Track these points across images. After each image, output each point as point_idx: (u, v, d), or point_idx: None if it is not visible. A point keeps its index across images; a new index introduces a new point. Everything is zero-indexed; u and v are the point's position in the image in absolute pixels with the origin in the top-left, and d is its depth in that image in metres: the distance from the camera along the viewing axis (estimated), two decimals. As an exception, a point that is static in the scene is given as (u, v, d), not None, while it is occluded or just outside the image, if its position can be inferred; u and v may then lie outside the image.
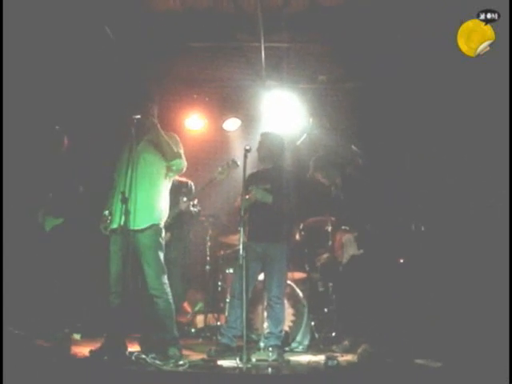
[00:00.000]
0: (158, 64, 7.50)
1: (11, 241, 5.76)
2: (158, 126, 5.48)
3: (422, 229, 6.05)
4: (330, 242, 6.86)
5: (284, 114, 7.82)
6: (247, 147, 5.77)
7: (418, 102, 7.13)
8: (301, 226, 7.39)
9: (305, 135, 7.54)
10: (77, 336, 6.33)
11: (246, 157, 5.73)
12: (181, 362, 5.11)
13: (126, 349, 5.30)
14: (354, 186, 6.22)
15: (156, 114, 5.70)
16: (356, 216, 6.21)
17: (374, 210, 6.01)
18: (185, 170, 5.69)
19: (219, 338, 6.01)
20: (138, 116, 5.34)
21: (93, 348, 5.32)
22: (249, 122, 8.25)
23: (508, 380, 4.10)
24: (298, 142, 7.57)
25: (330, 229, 6.84)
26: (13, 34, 5.85)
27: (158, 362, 5.01)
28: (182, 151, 5.62)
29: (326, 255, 7.15)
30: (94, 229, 5.59)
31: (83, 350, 5.59)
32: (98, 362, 5.10)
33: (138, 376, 4.68)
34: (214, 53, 7.40)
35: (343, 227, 6.61)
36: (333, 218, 6.85)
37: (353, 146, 6.27)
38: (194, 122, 8.35)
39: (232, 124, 8.27)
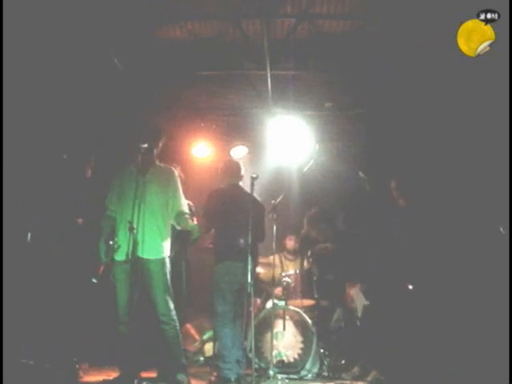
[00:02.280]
0: (165, 92, 7.54)
1: (21, 265, 5.78)
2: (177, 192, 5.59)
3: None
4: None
5: (290, 140, 7.83)
6: (254, 175, 5.79)
7: (422, 121, 7.14)
8: (309, 253, 7.39)
9: (311, 162, 7.55)
10: (84, 366, 6.31)
11: (252, 184, 5.75)
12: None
13: (138, 377, 5.30)
14: (345, 241, 6.27)
15: (161, 144, 5.71)
16: (355, 269, 6.24)
17: (370, 259, 6.04)
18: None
19: (218, 371, 5.84)
20: (145, 145, 5.36)
21: (107, 378, 5.32)
22: (256, 150, 8.28)
23: (508, 380, 4.07)
24: (305, 169, 7.58)
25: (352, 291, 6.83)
26: (22, 66, 5.92)
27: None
28: (180, 191, 5.68)
29: (320, 245, 7.16)
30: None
31: (92, 379, 5.59)
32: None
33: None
34: (221, 81, 7.44)
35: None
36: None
37: (360, 173, 6.28)
38: (201, 150, 8.38)
39: (239, 151, 8.29)
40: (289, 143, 7.84)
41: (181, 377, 5.27)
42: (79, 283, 6.22)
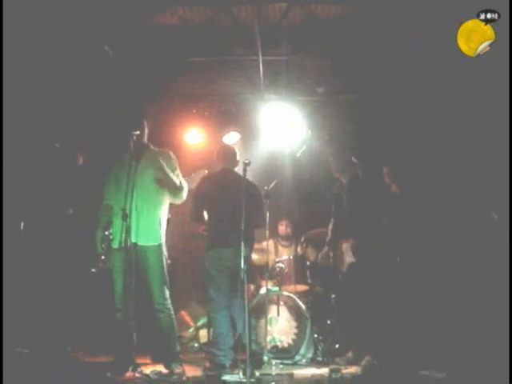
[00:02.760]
0: (157, 79, 7.51)
1: (14, 254, 5.77)
2: (165, 167, 5.43)
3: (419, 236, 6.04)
4: (332, 253, 6.83)
5: (283, 126, 7.82)
6: (246, 161, 5.77)
7: (417, 111, 7.14)
8: (302, 239, 7.40)
9: (304, 147, 7.53)
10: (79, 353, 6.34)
11: (245, 170, 5.74)
12: (184, 378, 5.13)
13: (132, 365, 5.32)
14: (352, 197, 6.24)
15: (147, 132, 5.68)
16: (352, 225, 6.21)
17: (369, 220, 6.03)
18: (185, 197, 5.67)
19: (213, 358, 5.90)
20: (138, 132, 5.35)
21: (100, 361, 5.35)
22: (248, 136, 8.26)
23: (508, 380, 4.09)
24: (298, 155, 7.56)
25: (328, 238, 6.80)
26: (13, 50, 5.87)
27: (160, 377, 5.04)
28: (179, 173, 5.62)
29: (313, 231, 7.17)
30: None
31: (87, 367, 5.62)
32: (102, 378, 5.10)
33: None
34: (212, 67, 7.40)
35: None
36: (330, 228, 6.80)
37: (353, 158, 6.28)
38: (194, 137, 8.35)
39: (231, 138, 8.26)
40: (281, 129, 7.83)
41: (175, 365, 5.29)
42: (74, 272, 6.23)
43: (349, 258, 6.30)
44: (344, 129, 7.98)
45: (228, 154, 6.34)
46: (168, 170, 5.41)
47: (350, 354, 6.10)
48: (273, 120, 7.80)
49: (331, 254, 6.66)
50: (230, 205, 5.88)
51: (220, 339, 5.80)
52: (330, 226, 6.71)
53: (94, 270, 5.48)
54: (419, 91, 7.02)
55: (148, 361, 6.07)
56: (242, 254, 5.24)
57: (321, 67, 7.42)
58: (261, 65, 7.04)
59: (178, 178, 5.54)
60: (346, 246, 6.36)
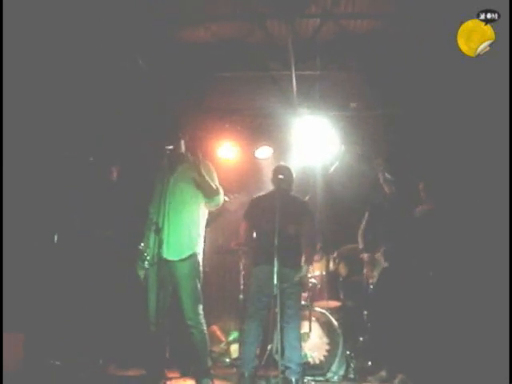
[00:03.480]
0: (190, 94, 7.56)
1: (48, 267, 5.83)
2: (200, 165, 5.38)
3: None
4: (366, 270, 6.77)
5: (316, 141, 7.80)
6: (280, 176, 5.76)
7: (450, 127, 7.09)
8: (335, 254, 7.35)
9: (337, 163, 7.51)
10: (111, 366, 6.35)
11: (279, 185, 5.73)
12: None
13: (162, 380, 5.32)
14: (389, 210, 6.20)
15: (183, 145, 5.69)
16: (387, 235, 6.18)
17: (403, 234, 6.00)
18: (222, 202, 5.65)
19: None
20: (171, 147, 5.37)
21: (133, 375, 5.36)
22: (281, 150, 8.25)
23: (508, 380, 4.02)
24: (331, 170, 7.54)
25: (365, 256, 6.74)
26: (47, 65, 5.97)
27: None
28: (216, 181, 5.61)
29: (347, 246, 7.12)
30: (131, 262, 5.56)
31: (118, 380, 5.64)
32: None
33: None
34: (246, 82, 7.44)
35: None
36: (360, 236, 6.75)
37: (386, 174, 6.23)
38: (227, 151, 8.37)
39: (264, 152, 8.27)
40: (314, 144, 7.81)
41: (206, 381, 5.26)
42: (109, 285, 6.26)
43: (380, 266, 6.25)
44: (378, 144, 7.93)
45: (274, 173, 6.26)
46: (204, 172, 5.37)
47: (383, 373, 6.02)
48: (305, 135, 7.79)
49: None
50: (274, 223, 5.84)
51: (243, 347, 5.84)
52: (361, 236, 6.66)
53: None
54: (449, 103, 6.96)
55: (178, 375, 6.06)
56: (276, 269, 5.22)
57: (354, 82, 7.41)
58: (294, 79, 7.04)
59: (214, 184, 5.53)
60: (378, 255, 6.31)
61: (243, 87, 7.60)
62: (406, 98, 7.26)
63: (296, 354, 5.69)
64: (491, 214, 5.98)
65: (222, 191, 5.57)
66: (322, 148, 7.82)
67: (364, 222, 6.55)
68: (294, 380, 5.58)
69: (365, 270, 6.69)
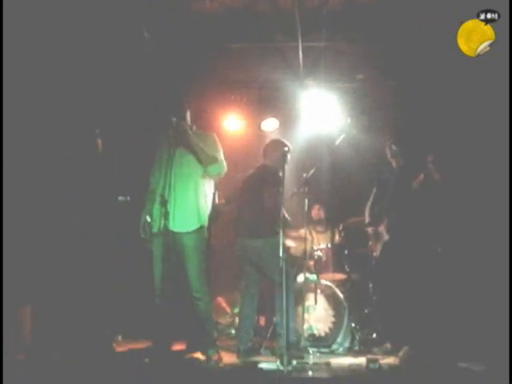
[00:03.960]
0: (195, 65, 7.50)
1: (46, 239, 5.84)
2: (189, 131, 5.35)
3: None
4: (371, 243, 6.77)
5: (322, 113, 7.77)
6: (285, 148, 5.74)
7: (457, 98, 7.04)
8: (340, 227, 7.34)
9: (343, 135, 7.46)
10: (118, 337, 6.39)
11: (285, 157, 5.71)
12: (221, 365, 5.15)
13: (169, 349, 5.36)
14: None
15: (189, 116, 5.67)
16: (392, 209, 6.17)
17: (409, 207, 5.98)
18: (225, 171, 5.62)
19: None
20: (176, 118, 5.34)
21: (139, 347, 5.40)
22: (287, 122, 8.21)
23: (508, 380, 4.03)
24: (337, 142, 7.49)
25: (370, 229, 6.73)
26: (50, 34, 5.92)
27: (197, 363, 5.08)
28: (220, 152, 5.57)
29: (352, 219, 7.12)
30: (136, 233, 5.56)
31: (125, 351, 5.68)
32: (139, 363, 5.15)
33: (178, 378, 4.69)
34: (252, 53, 7.38)
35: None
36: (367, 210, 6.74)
37: (393, 146, 6.18)
38: (232, 123, 8.34)
39: (270, 124, 8.23)
40: (320, 116, 7.78)
41: (211, 352, 5.29)
42: (116, 257, 6.28)
43: (383, 239, 6.25)
44: (384, 116, 7.87)
45: (270, 149, 6.34)
46: (198, 142, 5.35)
47: (387, 345, 6.05)
48: (312, 107, 7.75)
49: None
50: (252, 197, 5.98)
51: (238, 322, 6.08)
52: (368, 210, 6.65)
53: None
54: (456, 74, 6.91)
55: (185, 347, 6.09)
56: (281, 242, 5.23)
57: (360, 53, 7.34)
58: (300, 51, 6.99)
59: (219, 155, 5.52)
60: (381, 229, 6.30)
61: (249, 59, 7.54)
62: (412, 68, 7.18)
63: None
64: (499, 188, 5.94)
65: (221, 160, 5.54)
66: (328, 120, 7.79)
67: (371, 197, 6.54)
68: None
69: (370, 243, 6.71)
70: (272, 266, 5.59)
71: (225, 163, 5.55)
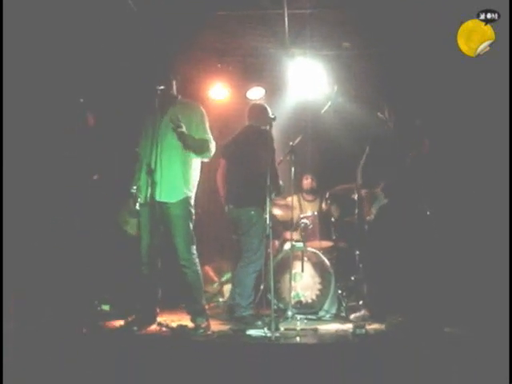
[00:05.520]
0: (181, 33, 7.42)
1: (32, 219, 5.81)
2: (185, 132, 5.29)
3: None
4: (357, 210, 6.79)
5: (308, 81, 7.74)
6: (272, 116, 5.73)
7: (446, 65, 7.01)
8: (327, 195, 7.36)
9: (329, 103, 7.45)
10: (105, 307, 6.39)
11: (271, 125, 5.71)
12: (209, 332, 5.19)
13: (155, 319, 5.40)
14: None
15: (175, 85, 5.64)
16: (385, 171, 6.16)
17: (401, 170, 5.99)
18: (213, 152, 5.60)
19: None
20: (162, 87, 5.30)
21: (127, 319, 5.40)
22: (273, 91, 8.18)
23: (508, 380, 4.09)
24: (323, 110, 7.48)
25: (356, 197, 6.74)
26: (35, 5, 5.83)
27: (186, 331, 5.11)
28: (207, 130, 5.57)
29: (339, 187, 7.14)
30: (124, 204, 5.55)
31: (113, 322, 5.70)
32: (128, 332, 5.18)
33: (167, 346, 4.73)
34: (237, 21, 7.29)
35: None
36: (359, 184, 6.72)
37: (379, 113, 6.17)
38: (218, 92, 8.30)
39: (256, 93, 8.20)
40: (306, 84, 7.75)
41: (200, 320, 5.34)
42: (98, 230, 6.26)
43: (379, 203, 6.23)
44: (371, 84, 7.85)
45: (254, 111, 6.34)
46: (184, 133, 5.29)
47: (365, 312, 6.10)
48: (298, 75, 7.72)
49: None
50: (240, 165, 6.07)
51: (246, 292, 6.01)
52: (360, 171, 6.61)
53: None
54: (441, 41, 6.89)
55: (173, 315, 6.13)
56: (267, 210, 5.26)
57: (347, 21, 7.27)
58: (286, 18, 6.93)
59: (204, 133, 5.50)
60: (377, 191, 6.26)
61: (234, 26, 7.45)
62: (398, 36, 7.15)
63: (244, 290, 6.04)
64: (490, 156, 5.97)
65: (212, 145, 5.54)
66: (314, 88, 7.77)
67: (364, 157, 6.43)
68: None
69: (357, 209, 6.70)
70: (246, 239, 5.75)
71: (213, 144, 5.56)
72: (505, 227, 5.20)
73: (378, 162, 6.22)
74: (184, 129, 5.25)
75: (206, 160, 5.62)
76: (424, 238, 5.70)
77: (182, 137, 5.26)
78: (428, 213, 5.85)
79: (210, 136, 5.55)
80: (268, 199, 5.30)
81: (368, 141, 6.39)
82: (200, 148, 5.44)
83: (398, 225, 5.78)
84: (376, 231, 6.18)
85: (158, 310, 5.57)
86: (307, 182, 7.99)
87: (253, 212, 5.97)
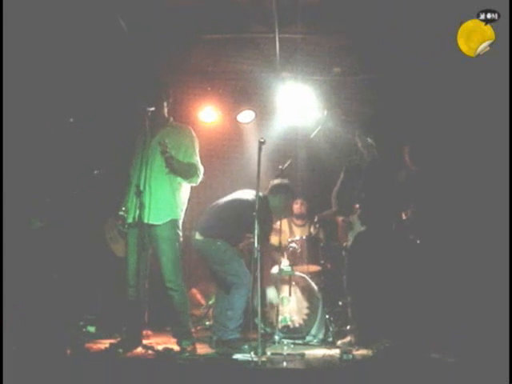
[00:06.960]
0: (172, 56, 7.45)
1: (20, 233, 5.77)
2: (174, 158, 5.30)
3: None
4: (340, 232, 6.80)
5: (298, 105, 7.77)
6: (261, 140, 5.73)
7: (433, 92, 7.06)
8: (315, 219, 7.36)
9: (319, 127, 7.48)
10: (91, 329, 6.34)
11: (260, 149, 5.70)
12: (195, 356, 5.15)
13: (141, 342, 5.35)
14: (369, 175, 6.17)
15: (166, 107, 5.66)
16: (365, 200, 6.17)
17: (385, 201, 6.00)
18: (201, 178, 5.64)
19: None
20: (152, 108, 5.31)
21: (112, 341, 5.35)
22: (263, 114, 8.20)
23: (508, 380, 4.07)
24: (312, 135, 7.51)
25: (340, 220, 6.74)
26: (27, 24, 5.83)
27: (172, 354, 5.06)
28: (196, 154, 5.60)
29: (327, 212, 7.12)
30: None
31: (98, 344, 5.64)
32: (113, 354, 5.12)
33: (152, 369, 4.67)
34: (228, 44, 7.34)
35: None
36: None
37: (368, 139, 6.20)
38: (208, 115, 8.31)
39: (246, 116, 8.21)
40: (296, 108, 7.77)
41: (186, 343, 5.31)
42: (86, 250, 6.22)
43: (356, 229, 6.23)
44: (361, 109, 7.89)
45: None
46: (174, 162, 5.31)
47: (351, 338, 6.07)
48: (288, 99, 7.75)
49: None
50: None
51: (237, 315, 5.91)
52: (334, 197, 6.62)
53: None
54: (435, 72, 6.94)
55: (159, 337, 6.09)
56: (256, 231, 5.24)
57: (337, 46, 7.34)
58: (277, 43, 6.98)
59: (192, 157, 5.51)
60: (353, 218, 6.28)
61: (225, 50, 7.51)
62: (389, 63, 7.20)
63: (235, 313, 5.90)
64: (480, 178, 5.98)
65: (200, 171, 5.57)
66: (304, 113, 7.79)
67: (338, 183, 6.48)
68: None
69: (337, 235, 6.73)
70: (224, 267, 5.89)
71: (201, 169, 5.58)
72: (490, 251, 5.22)
73: (353, 188, 6.25)
74: (171, 153, 5.24)
75: (193, 184, 5.62)
76: (405, 264, 5.71)
77: (168, 161, 5.25)
78: (411, 237, 5.88)
79: (198, 160, 5.56)
80: (255, 223, 5.27)
81: (343, 167, 6.42)
82: (187, 173, 5.45)
83: (377, 252, 5.80)
84: (354, 257, 6.19)
85: (143, 333, 5.52)
86: (297, 206, 7.98)
87: (219, 243, 5.96)
